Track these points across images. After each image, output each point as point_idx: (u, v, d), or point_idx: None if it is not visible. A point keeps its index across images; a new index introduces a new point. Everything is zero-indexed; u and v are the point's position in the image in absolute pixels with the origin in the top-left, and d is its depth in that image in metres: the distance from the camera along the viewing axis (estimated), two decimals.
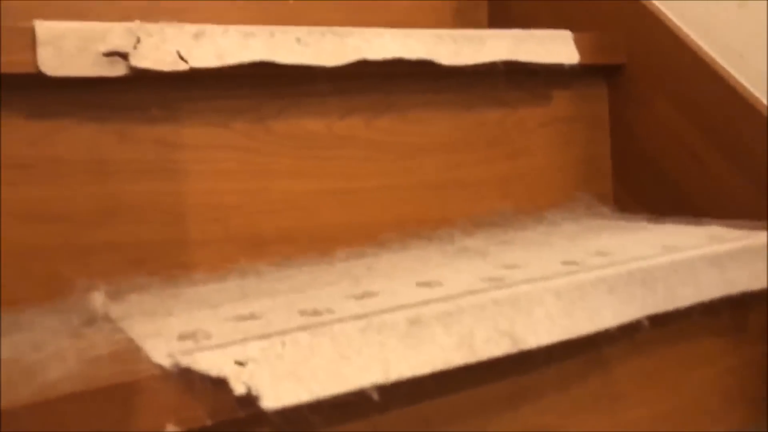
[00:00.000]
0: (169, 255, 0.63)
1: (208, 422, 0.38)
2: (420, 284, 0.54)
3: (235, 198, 0.67)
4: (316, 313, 0.47)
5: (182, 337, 0.43)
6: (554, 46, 0.81)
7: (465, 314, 0.47)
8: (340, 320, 0.44)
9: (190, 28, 0.61)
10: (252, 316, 0.48)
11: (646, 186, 0.88)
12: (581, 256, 0.60)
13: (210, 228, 0.66)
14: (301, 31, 0.67)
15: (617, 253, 0.61)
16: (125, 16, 0.82)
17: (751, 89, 0.78)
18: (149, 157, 0.63)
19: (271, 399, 0.39)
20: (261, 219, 0.69)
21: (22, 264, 0.58)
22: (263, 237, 0.68)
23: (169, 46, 0.60)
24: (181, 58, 0.60)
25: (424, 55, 0.72)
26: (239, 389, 0.39)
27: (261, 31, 0.65)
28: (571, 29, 0.86)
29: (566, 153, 0.87)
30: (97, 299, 0.52)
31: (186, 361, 0.38)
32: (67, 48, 0.56)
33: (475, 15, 1.08)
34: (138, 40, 0.59)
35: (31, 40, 0.56)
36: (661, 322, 0.57)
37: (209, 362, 0.39)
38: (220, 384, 0.38)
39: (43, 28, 0.56)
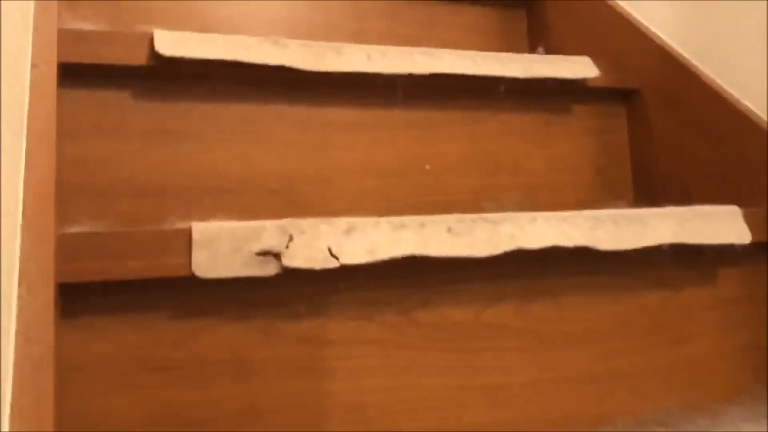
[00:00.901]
0: None
1: None
2: None
3: (376, 397, 0.62)
4: None
5: None
6: (722, 224, 0.74)
7: None
8: None
9: (342, 223, 0.59)
10: None
11: None
12: None
13: (350, 431, 0.61)
14: (451, 219, 0.63)
15: None
16: (268, 189, 0.83)
17: None
18: (292, 355, 0.60)
19: None
20: (402, 420, 0.63)
21: None
22: None
23: (321, 243, 0.58)
24: (332, 255, 0.58)
25: (583, 241, 0.66)
26: None
27: (411, 222, 0.62)
28: (735, 197, 0.79)
29: (736, 338, 0.78)
30: None
31: None
32: (222, 250, 0.55)
33: (618, 174, 1.02)
34: (290, 238, 0.57)
35: (186, 243, 0.55)
36: None
37: None
38: None
39: (200, 230, 0.55)
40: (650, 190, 1.00)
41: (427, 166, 0.93)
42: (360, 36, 1.13)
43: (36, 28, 0.65)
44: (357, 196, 0.88)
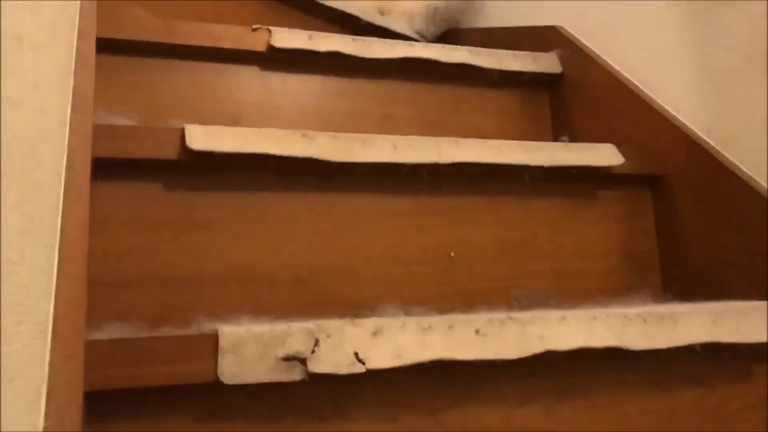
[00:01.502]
0: None
1: None
2: None
3: None
4: None
5: None
6: (756, 321, 0.72)
7: None
8: None
9: (368, 324, 0.59)
10: None
11: None
12: None
13: None
14: (479, 320, 0.63)
15: None
16: (295, 278, 0.83)
17: None
18: None
19: None
20: None
21: None
22: None
23: (347, 347, 0.57)
24: (359, 359, 0.57)
25: (613, 342, 0.65)
26: None
27: (439, 324, 0.61)
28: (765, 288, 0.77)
29: None
30: None
31: None
32: (248, 355, 0.54)
33: (646, 260, 1.01)
34: (316, 342, 0.56)
35: (212, 347, 0.54)
36: None
37: None
38: None
39: (226, 335, 0.55)
40: (678, 277, 0.98)
41: (453, 254, 0.92)
42: (386, 122, 1.15)
43: (72, 129, 0.67)
44: (383, 285, 0.88)
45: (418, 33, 1.53)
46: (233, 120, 1.05)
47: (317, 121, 1.11)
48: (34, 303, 0.38)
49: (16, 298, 0.34)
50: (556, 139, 1.22)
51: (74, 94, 0.74)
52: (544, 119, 1.25)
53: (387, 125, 1.15)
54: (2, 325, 0.31)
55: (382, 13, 1.58)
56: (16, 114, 0.37)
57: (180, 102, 1.02)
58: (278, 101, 1.10)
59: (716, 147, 0.95)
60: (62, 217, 0.56)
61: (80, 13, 0.85)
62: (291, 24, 1.42)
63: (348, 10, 1.42)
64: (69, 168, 0.63)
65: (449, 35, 1.56)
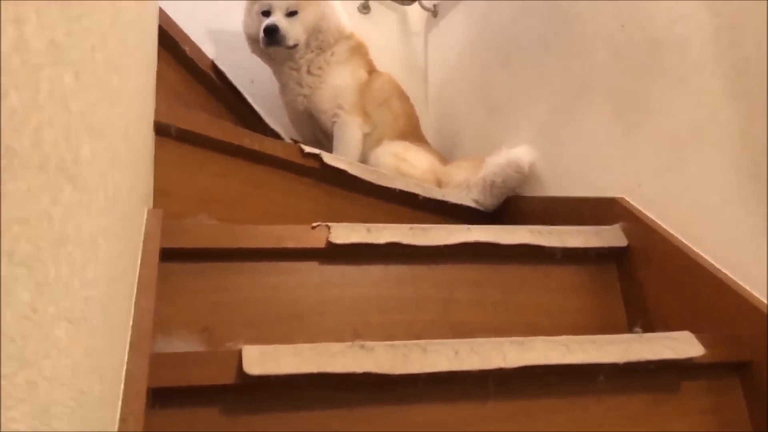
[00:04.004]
0: None
1: None
2: None
3: None
4: None
5: None
6: None
7: None
8: None
9: None
10: None
11: None
12: None
13: None
14: None
15: None
16: None
17: None
18: None
19: None
20: None
21: None
22: None
23: None
24: None
25: None
26: None
27: None
28: None
29: None
30: None
31: None
32: None
33: None
34: None
35: None
36: None
37: None
38: None
39: None
40: None
41: None
42: (448, 306, 1.12)
43: (128, 373, 0.67)
44: None
45: (476, 202, 1.54)
46: (295, 319, 1.04)
47: (378, 312, 1.09)
48: None
49: None
50: (628, 313, 1.16)
51: (133, 327, 0.75)
52: (614, 292, 1.20)
53: (449, 309, 1.12)
54: None
55: (439, 186, 1.60)
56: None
57: (242, 305, 1.02)
58: (338, 293, 1.09)
59: None
60: None
61: (145, 236, 0.88)
62: (350, 205, 1.45)
63: (406, 189, 1.44)
64: (122, 420, 0.62)
65: (510, 202, 1.55)
